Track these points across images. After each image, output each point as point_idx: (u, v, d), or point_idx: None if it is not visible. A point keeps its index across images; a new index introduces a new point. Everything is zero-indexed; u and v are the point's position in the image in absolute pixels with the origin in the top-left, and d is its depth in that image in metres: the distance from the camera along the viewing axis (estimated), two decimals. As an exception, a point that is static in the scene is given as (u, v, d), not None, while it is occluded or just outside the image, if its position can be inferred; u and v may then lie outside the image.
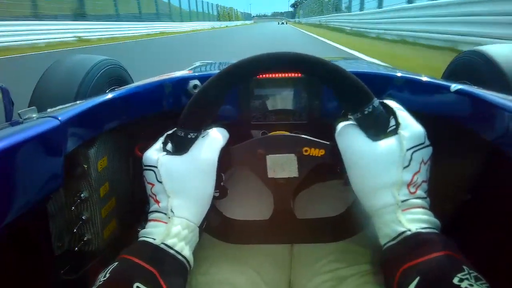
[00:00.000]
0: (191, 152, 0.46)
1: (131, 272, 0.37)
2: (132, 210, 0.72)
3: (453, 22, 5.66)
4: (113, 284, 0.36)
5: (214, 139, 0.47)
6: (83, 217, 0.59)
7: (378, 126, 0.44)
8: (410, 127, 0.42)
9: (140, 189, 0.52)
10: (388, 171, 0.40)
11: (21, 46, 8.64)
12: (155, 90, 0.70)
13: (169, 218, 0.43)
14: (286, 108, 0.71)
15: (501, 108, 0.47)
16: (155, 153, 0.46)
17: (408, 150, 0.40)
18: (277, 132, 0.56)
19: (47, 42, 9.83)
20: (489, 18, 4.65)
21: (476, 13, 5.00)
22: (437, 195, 0.44)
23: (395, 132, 0.42)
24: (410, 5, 8.18)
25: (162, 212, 0.44)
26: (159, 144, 0.48)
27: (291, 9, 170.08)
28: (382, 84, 0.65)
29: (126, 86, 0.75)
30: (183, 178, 0.44)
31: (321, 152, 0.48)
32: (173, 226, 0.42)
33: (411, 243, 0.37)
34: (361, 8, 13.11)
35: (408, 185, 0.40)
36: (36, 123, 0.45)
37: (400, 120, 0.43)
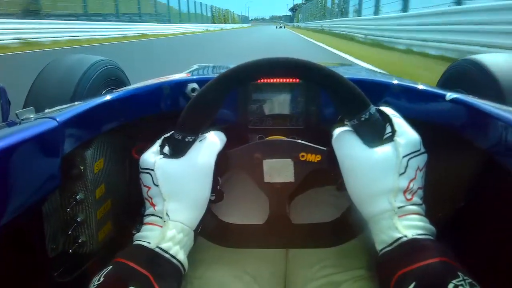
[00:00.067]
0: (188, 156, 0.46)
1: (125, 276, 0.37)
2: (127, 213, 0.71)
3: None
4: None
5: (212, 143, 0.48)
6: (78, 219, 0.58)
7: (375, 133, 0.44)
8: (406, 134, 0.43)
9: (136, 191, 0.52)
10: (384, 178, 0.41)
11: None
12: (153, 92, 0.70)
13: (165, 221, 0.43)
14: (283, 113, 0.72)
15: (495, 117, 0.48)
16: (152, 156, 0.46)
17: (404, 157, 0.41)
18: (274, 136, 0.56)
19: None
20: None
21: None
22: (432, 202, 0.45)
23: (391, 139, 0.43)
24: (460, 7, 5.57)
25: (157, 216, 0.44)
26: (156, 147, 0.48)
27: (289, 13, 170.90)
28: (378, 91, 0.66)
29: (124, 88, 0.75)
30: (180, 182, 0.44)
31: (318, 157, 0.48)
32: (168, 230, 0.42)
33: (407, 249, 0.38)
34: (376, 12, 10.56)
35: (404, 191, 0.41)
36: (34, 124, 0.45)
37: (396, 127, 0.43)
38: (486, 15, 4.66)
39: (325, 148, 0.49)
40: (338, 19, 17.54)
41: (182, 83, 0.70)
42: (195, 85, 0.69)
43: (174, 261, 0.41)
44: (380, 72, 1.23)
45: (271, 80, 0.69)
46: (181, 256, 0.42)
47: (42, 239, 0.52)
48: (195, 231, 0.46)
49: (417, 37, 6.64)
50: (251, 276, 0.55)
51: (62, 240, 0.58)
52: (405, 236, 0.38)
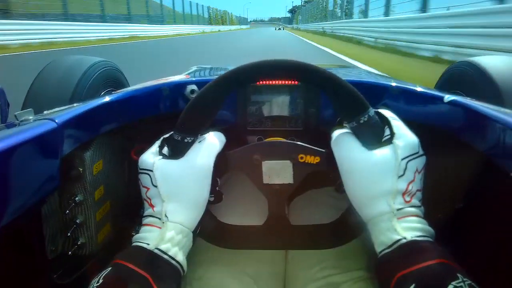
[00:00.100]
0: (187, 157, 0.46)
1: (124, 277, 0.37)
2: (126, 214, 0.71)
3: None
4: None
5: (211, 144, 0.48)
6: (77, 221, 0.58)
7: (373, 135, 0.44)
8: (405, 136, 0.43)
9: (135, 192, 0.52)
10: (383, 180, 0.41)
11: None
12: (152, 94, 0.70)
13: (163, 223, 0.43)
14: (283, 114, 0.72)
15: (493, 119, 0.48)
16: (151, 157, 0.46)
17: (403, 159, 0.41)
18: (273, 138, 0.56)
19: None
20: None
21: None
22: (431, 204, 0.45)
23: (390, 141, 0.43)
24: (504, 5, 4.49)
25: (156, 217, 0.44)
26: (155, 147, 0.48)
27: (288, 15, 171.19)
28: (377, 93, 0.67)
29: (123, 89, 0.75)
30: (178, 183, 0.44)
31: (317, 159, 0.48)
32: (167, 231, 0.42)
33: (407, 251, 0.38)
34: (387, 13, 9.48)
35: (403, 194, 0.41)
36: (33, 125, 0.45)
37: (394, 129, 0.44)
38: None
39: (324, 150, 0.49)
40: (341, 21, 16.22)
41: (181, 85, 0.70)
42: (194, 87, 0.69)
43: (173, 262, 0.41)
44: (379, 74, 1.24)
45: (270, 82, 0.70)
46: (180, 257, 0.42)
47: (41, 240, 0.52)
48: (194, 232, 0.46)
49: (449, 42, 5.43)
50: (250, 277, 0.55)
51: (61, 241, 0.58)
52: (404, 238, 0.38)
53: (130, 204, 0.71)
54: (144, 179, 0.46)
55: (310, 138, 0.56)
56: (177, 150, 0.47)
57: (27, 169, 0.42)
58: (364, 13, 12.13)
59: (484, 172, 0.53)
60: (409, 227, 0.39)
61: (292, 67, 0.44)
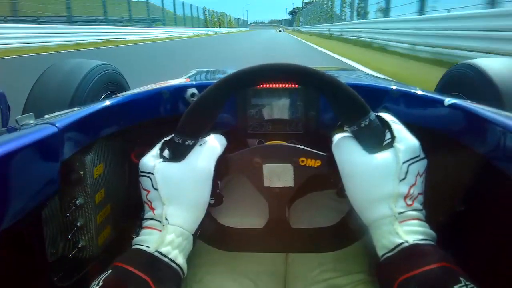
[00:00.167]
0: (188, 160, 0.46)
1: (124, 280, 0.37)
2: (127, 217, 0.71)
3: None
4: None
5: (212, 147, 0.48)
6: (78, 224, 0.59)
7: (374, 139, 0.44)
8: (406, 140, 0.43)
9: (135, 196, 0.52)
10: (385, 184, 0.41)
11: None
12: (153, 97, 0.70)
13: (164, 225, 0.43)
14: (283, 118, 0.72)
15: (494, 123, 0.48)
16: (151, 160, 0.46)
17: (404, 163, 0.41)
18: (273, 141, 0.56)
19: None
20: None
21: None
22: (432, 207, 0.45)
23: (391, 145, 0.43)
24: None
25: (156, 220, 0.44)
26: (156, 150, 0.48)
27: (289, 17, 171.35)
28: (377, 96, 0.67)
29: (123, 93, 0.75)
30: (179, 186, 0.44)
31: (318, 162, 0.48)
32: (167, 234, 0.42)
33: (409, 255, 0.38)
34: (422, 10, 7.02)
35: (405, 197, 0.41)
36: (34, 130, 0.45)
37: (395, 133, 0.44)
38: None
39: (324, 154, 0.49)
40: (351, 22, 13.76)
41: (182, 88, 0.70)
42: (194, 90, 0.70)
43: (173, 265, 0.41)
44: (379, 77, 1.24)
45: (271, 85, 0.70)
46: (180, 260, 0.42)
47: (41, 243, 0.52)
48: (194, 235, 0.46)
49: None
50: (250, 280, 0.55)
51: (61, 244, 0.58)
52: (406, 242, 0.38)
53: (130, 207, 0.71)
54: (145, 182, 0.46)
55: (311, 142, 0.56)
56: (177, 153, 0.47)
57: (28, 173, 0.42)
58: (385, 12, 9.58)
59: (485, 175, 0.53)
60: (411, 231, 0.39)
61: (293, 70, 0.44)
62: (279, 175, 0.49)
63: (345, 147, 0.45)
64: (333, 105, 0.46)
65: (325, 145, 0.49)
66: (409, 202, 0.41)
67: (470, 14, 5.12)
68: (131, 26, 17.65)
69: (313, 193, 0.70)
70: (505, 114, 0.50)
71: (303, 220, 0.62)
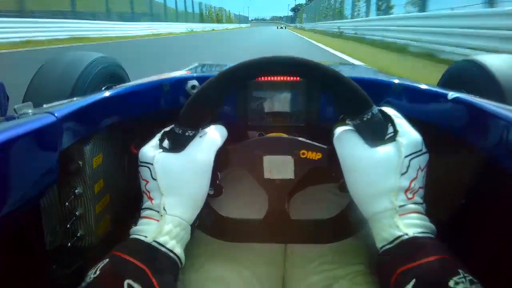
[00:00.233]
0: (187, 150, 0.46)
1: (122, 269, 0.37)
2: (126, 207, 0.71)
3: None
4: (103, 281, 0.36)
5: (212, 138, 0.47)
6: (77, 213, 0.59)
7: (377, 133, 0.44)
8: (408, 134, 0.43)
9: (134, 186, 0.52)
10: (386, 178, 0.41)
11: None
12: (153, 89, 0.70)
13: (162, 216, 0.43)
14: (284, 110, 0.72)
15: (497, 117, 0.47)
16: (151, 150, 0.46)
17: (406, 157, 0.41)
18: (274, 134, 0.56)
19: None
20: None
21: None
22: (433, 201, 0.45)
23: (393, 139, 0.43)
24: None
25: (154, 210, 0.44)
26: (155, 140, 0.48)
27: (291, 13, 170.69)
28: (380, 90, 0.66)
29: (124, 84, 0.74)
30: (178, 176, 0.44)
31: (318, 155, 0.48)
32: (165, 224, 0.42)
33: (408, 247, 0.38)
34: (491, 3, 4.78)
35: (406, 191, 0.41)
36: (32, 119, 0.45)
37: (398, 127, 0.43)
38: None
39: (325, 146, 0.48)
40: (370, 18, 11.08)
41: (182, 80, 0.70)
42: (195, 82, 0.69)
43: (171, 254, 0.41)
44: (381, 72, 1.23)
45: (272, 78, 0.69)
46: (178, 250, 0.42)
47: (40, 232, 0.52)
48: (192, 225, 0.46)
49: None
50: (249, 270, 0.55)
51: (60, 233, 0.58)
52: (406, 234, 0.38)
53: (129, 197, 0.71)
54: (144, 172, 0.46)
55: (312, 134, 0.56)
56: (177, 144, 0.46)
57: (26, 162, 0.42)
58: (421, 5, 7.32)
59: (487, 170, 0.53)
60: (411, 224, 0.39)
61: (295, 63, 0.44)
62: (279, 167, 0.49)
63: (346, 140, 0.45)
64: (335, 99, 0.46)
65: (327, 138, 0.49)
66: (410, 196, 0.41)
67: None
68: (108, 20, 14.34)
69: (313, 186, 0.70)
70: (509, 108, 0.49)
71: (302, 212, 0.62)
